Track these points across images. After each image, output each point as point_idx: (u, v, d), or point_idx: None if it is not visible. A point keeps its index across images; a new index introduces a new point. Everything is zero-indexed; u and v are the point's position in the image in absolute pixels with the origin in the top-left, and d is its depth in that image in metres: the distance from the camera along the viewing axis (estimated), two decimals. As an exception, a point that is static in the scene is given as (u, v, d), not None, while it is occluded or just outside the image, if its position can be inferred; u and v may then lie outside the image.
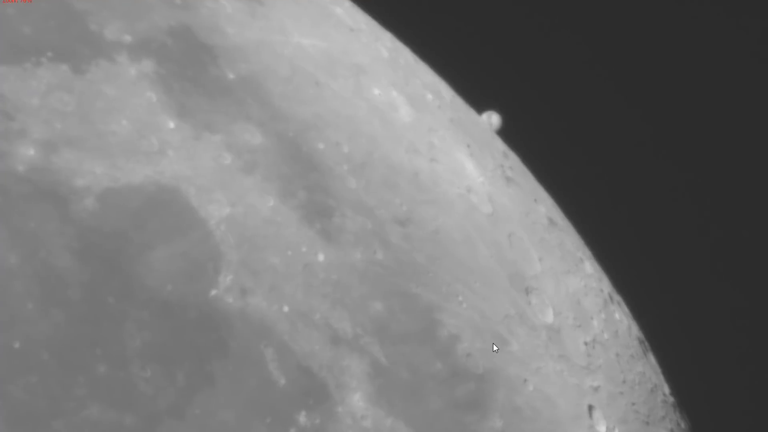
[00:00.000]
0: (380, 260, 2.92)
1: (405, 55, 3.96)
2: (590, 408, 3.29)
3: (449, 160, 3.47)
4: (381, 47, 3.78)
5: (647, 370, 3.81)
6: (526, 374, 3.10)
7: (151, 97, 2.78)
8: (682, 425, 3.89)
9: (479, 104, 4.28)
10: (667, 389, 3.94)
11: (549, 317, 3.34)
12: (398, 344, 2.82)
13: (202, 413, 2.46)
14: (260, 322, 2.62)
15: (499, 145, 4.06)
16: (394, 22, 4.09)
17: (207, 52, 3.00)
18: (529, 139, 4.70)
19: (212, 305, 2.57)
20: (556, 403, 3.16)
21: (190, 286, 2.56)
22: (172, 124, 2.77)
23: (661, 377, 3.97)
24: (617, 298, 3.98)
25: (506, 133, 4.28)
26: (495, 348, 3.03)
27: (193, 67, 2.93)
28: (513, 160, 4.01)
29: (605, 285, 3.93)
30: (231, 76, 2.99)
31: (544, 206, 3.91)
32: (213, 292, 2.59)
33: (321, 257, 2.82)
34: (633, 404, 3.54)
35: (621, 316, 3.87)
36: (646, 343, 4.00)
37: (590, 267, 3.89)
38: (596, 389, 3.36)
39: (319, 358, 2.66)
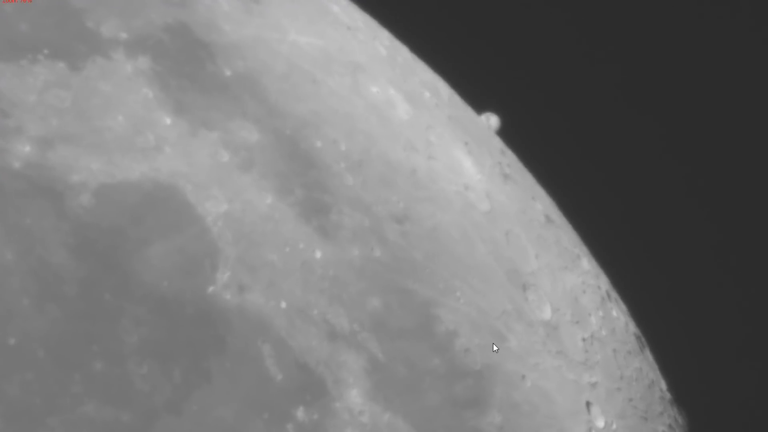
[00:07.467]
0: (377, 257, 2.92)
1: (403, 53, 3.96)
2: (588, 404, 3.29)
3: (447, 158, 3.47)
4: (379, 45, 3.78)
5: (644, 366, 3.82)
6: (523, 370, 3.10)
7: (147, 93, 2.78)
8: (680, 420, 3.89)
9: (477, 104, 4.28)
10: (664, 385, 3.94)
11: (546, 313, 3.34)
12: (395, 340, 2.82)
13: (199, 409, 2.45)
14: (258, 318, 2.62)
15: (497, 142, 4.06)
16: (392, 21, 4.09)
17: (203, 49, 3.00)
18: (527, 137, 4.70)
19: (209, 301, 2.57)
20: (554, 399, 3.16)
21: (187, 282, 2.56)
22: (168, 121, 2.77)
23: (658, 373, 3.97)
24: (614, 294, 3.98)
25: (504, 131, 4.28)
26: (495, 348, 3.03)
27: (189, 64, 2.93)
28: (510, 158, 4.01)
29: (602, 282, 3.93)
30: (227, 73, 2.99)
31: (541, 203, 3.91)
32: (210, 289, 2.58)
33: (318, 254, 2.81)
34: (630, 400, 3.54)
35: (618, 313, 3.88)
36: (643, 340, 4.00)
37: (587, 264, 3.89)
38: (594, 385, 3.36)
39: (316, 354, 2.66)
